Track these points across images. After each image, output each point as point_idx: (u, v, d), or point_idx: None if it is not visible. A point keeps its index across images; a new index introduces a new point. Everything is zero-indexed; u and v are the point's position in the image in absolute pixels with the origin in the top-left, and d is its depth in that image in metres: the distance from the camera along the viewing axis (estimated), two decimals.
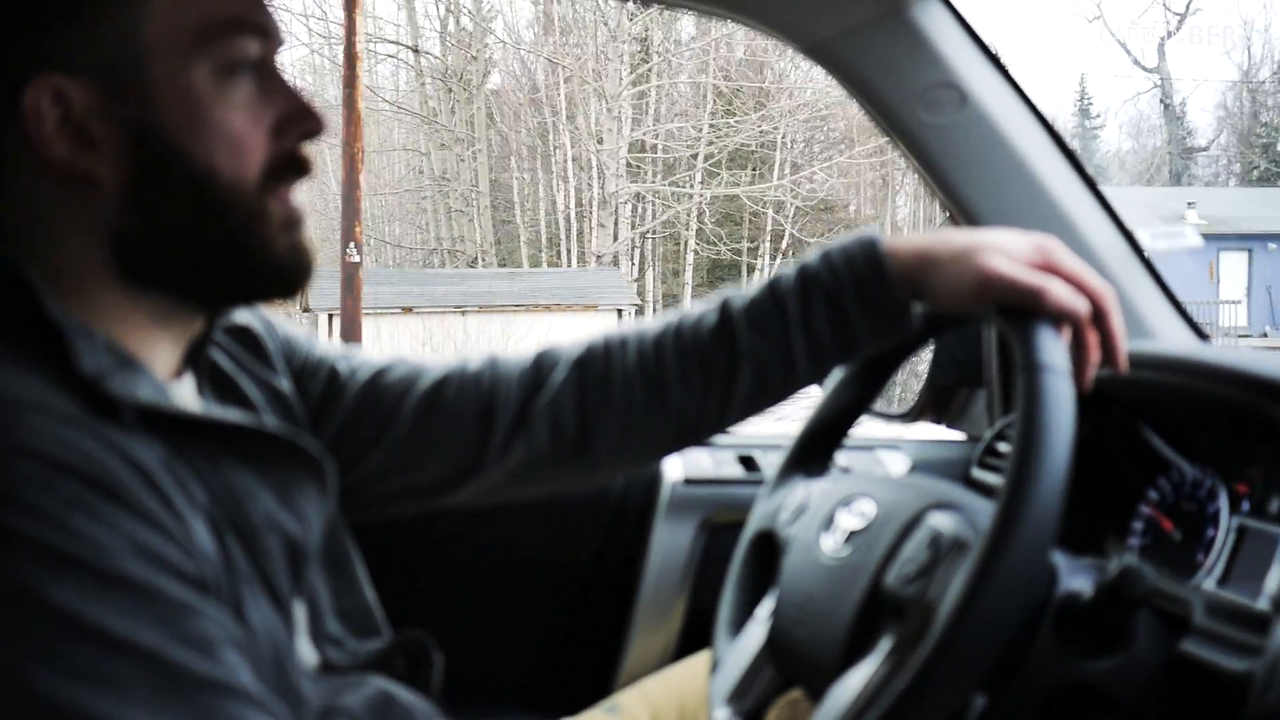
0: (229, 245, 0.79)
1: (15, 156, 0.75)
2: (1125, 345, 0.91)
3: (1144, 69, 43.58)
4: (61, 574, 0.61)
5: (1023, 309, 0.87)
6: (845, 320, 0.95)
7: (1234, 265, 26.25)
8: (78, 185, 0.75)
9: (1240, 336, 22.46)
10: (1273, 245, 25.95)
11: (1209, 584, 1.01)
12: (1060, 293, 0.87)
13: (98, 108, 0.74)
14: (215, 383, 0.90)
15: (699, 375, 0.99)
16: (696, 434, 1.02)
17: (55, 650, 0.60)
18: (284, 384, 0.97)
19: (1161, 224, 24.81)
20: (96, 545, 0.63)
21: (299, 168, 0.82)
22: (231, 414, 0.85)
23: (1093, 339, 0.89)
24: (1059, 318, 0.87)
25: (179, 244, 0.78)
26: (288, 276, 0.83)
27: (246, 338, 0.96)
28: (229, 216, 0.78)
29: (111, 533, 0.64)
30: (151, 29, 0.74)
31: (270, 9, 0.81)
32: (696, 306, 1.03)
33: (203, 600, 0.67)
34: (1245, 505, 1.06)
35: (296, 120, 0.81)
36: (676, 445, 1.04)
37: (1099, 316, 0.89)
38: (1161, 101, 43.24)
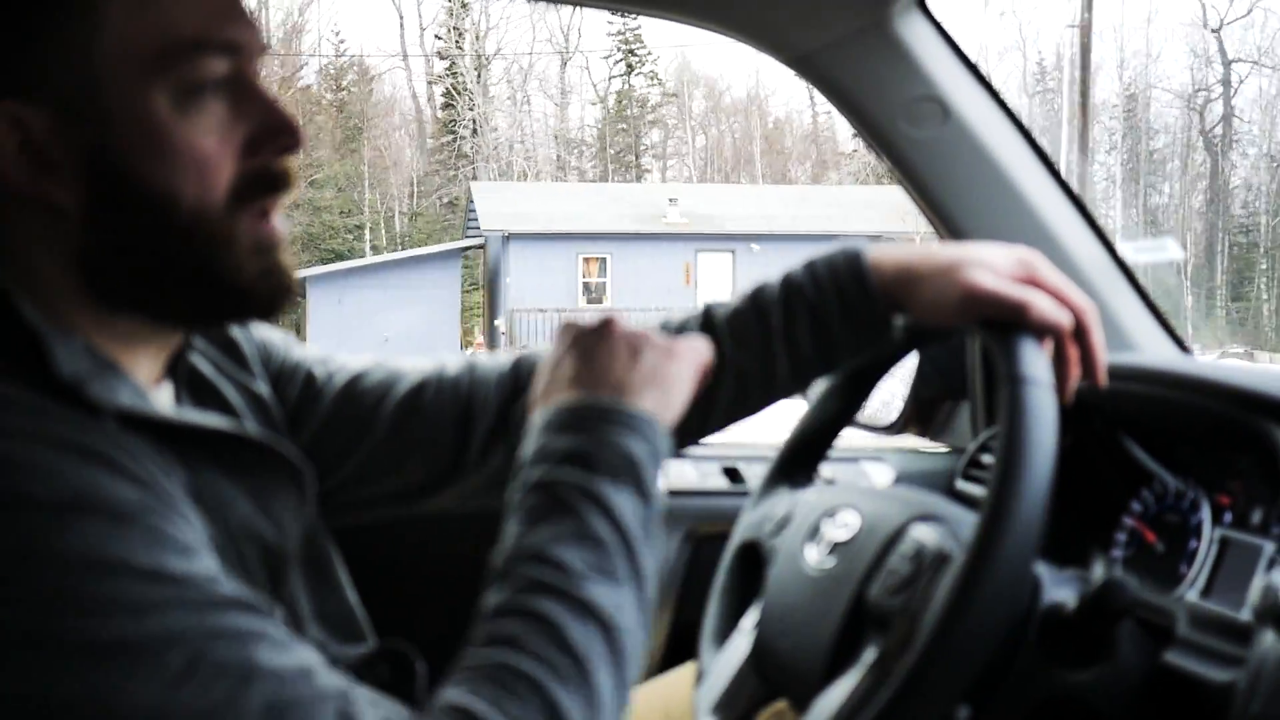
0: (195, 269, 0.77)
1: None
2: (1105, 360, 0.91)
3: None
4: (76, 519, 0.62)
5: (1006, 323, 0.87)
6: (827, 332, 0.95)
7: (717, 266, 25.58)
8: (40, 209, 0.74)
9: None
10: (755, 246, 25.31)
11: (1192, 595, 1.02)
12: (1044, 307, 0.87)
13: (56, 133, 0.73)
14: (194, 388, 0.89)
15: None
16: (677, 442, 1.02)
17: (83, 590, 0.61)
18: (262, 388, 0.96)
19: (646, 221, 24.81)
20: (101, 493, 0.64)
21: (275, 183, 0.80)
22: (210, 419, 0.84)
23: (1074, 353, 0.90)
24: (1042, 331, 0.87)
25: (143, 267, 0.76)
26: (261, 300, 0.81)
27: (225, 343, 0.96)
28: (193, 240, 0.76)
29: (115, 487, 0.65)
30: (107, 54, 0.73)
31: (245, 20, 0.78)
32: (678, 314, 1.03)
33: (206, 549, 0.69)
34: (1228, 517, 1.06)
35: (272, 135, 0.78)
36: None
37: (1080, 331, 0.90)
38: None
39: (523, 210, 25.61)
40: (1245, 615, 0.90)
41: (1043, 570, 0.85)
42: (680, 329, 1.00)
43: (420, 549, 1.64)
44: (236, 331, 0.97)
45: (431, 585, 1.66)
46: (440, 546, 1.64)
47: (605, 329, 0.86)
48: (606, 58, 48.80)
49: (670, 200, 26.87)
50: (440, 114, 45.67)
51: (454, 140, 43.27)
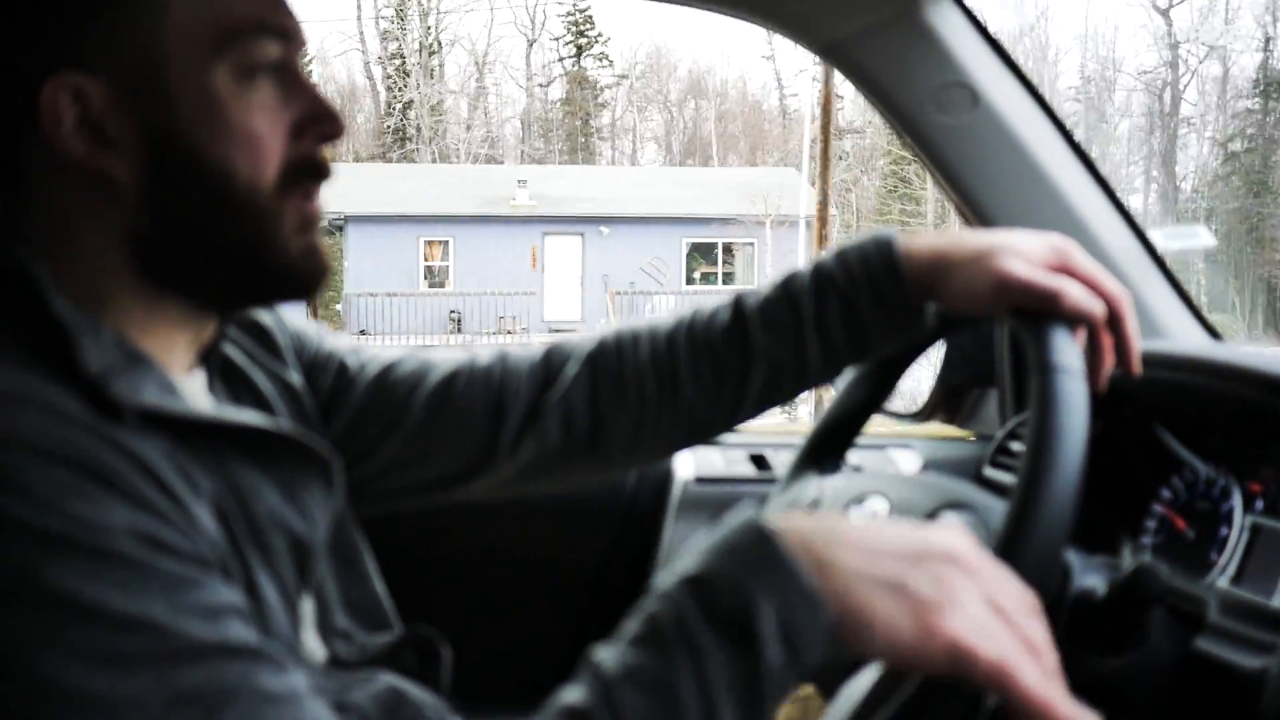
0: (244, 247, 0.79)
1: (34, 155, 0.75)
2: (1140, 348, 0.91)
3: None
4: (57, 556, 0.61)
5: (1038, 311, 0.87)
6: (859, 321, 0.95)
7: (565, 250, 25.34)
8: (95, 185, 0.75)
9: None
10: (605, 229, 25.03)
11: (1223, 582, 1.02)
12: (1077, 295, 0.86)
13: (116, 107, 0.74)
14: (227, 376, 0.90)
15: (711, 373, 0.99)
16: (708, 431, 1.02)
17: (55, 632, 0.60)
18: (295, 378, 0.97)
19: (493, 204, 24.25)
20: (91, 526, 0.62)
21: (318, 171, 0.81)
22: (237, 413, 0.85)
23: (1107, 341, 0.89)
24: (1074, 320, 0.87)
25: (194, 244, 0.78)
26: (303, 279, 0.82)
27: (258, 332, 0.96)
28: (245, 218, 0.77)
29: (106, 515, 0.63)
30: (172, 30, 0.74)
31: (292, 10, 0.80)
32: (710, 303, 1.03)
33: (203, 574, 0.67)
34: (1259, 504, 1.06)
35: (316, 122, 0.80)
36: (688, 442, 1.04)
37: (1114, 319, 0.89)
38: None
39: (360, 192, 24.78)
40: (1277, 602, 0.90)
41: (1073, 557, 0.85)
42: (710, 317, 1.01)
43: (448, 538, 1.65)
44: (270, 321, 0.98)
45: (459, 574, 1.67)
46: (469, 536, 1.65)
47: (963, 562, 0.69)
48: (557, 39, 48.62)
49: (520, 182, 26.42)
50: (385, 96, 45.34)
51: (399, 123, 42.98)
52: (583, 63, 48.52)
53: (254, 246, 0.79)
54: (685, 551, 0.70)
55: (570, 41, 48.19)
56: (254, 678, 0.64)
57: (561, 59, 48.96)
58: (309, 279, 0.83)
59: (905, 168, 31.80)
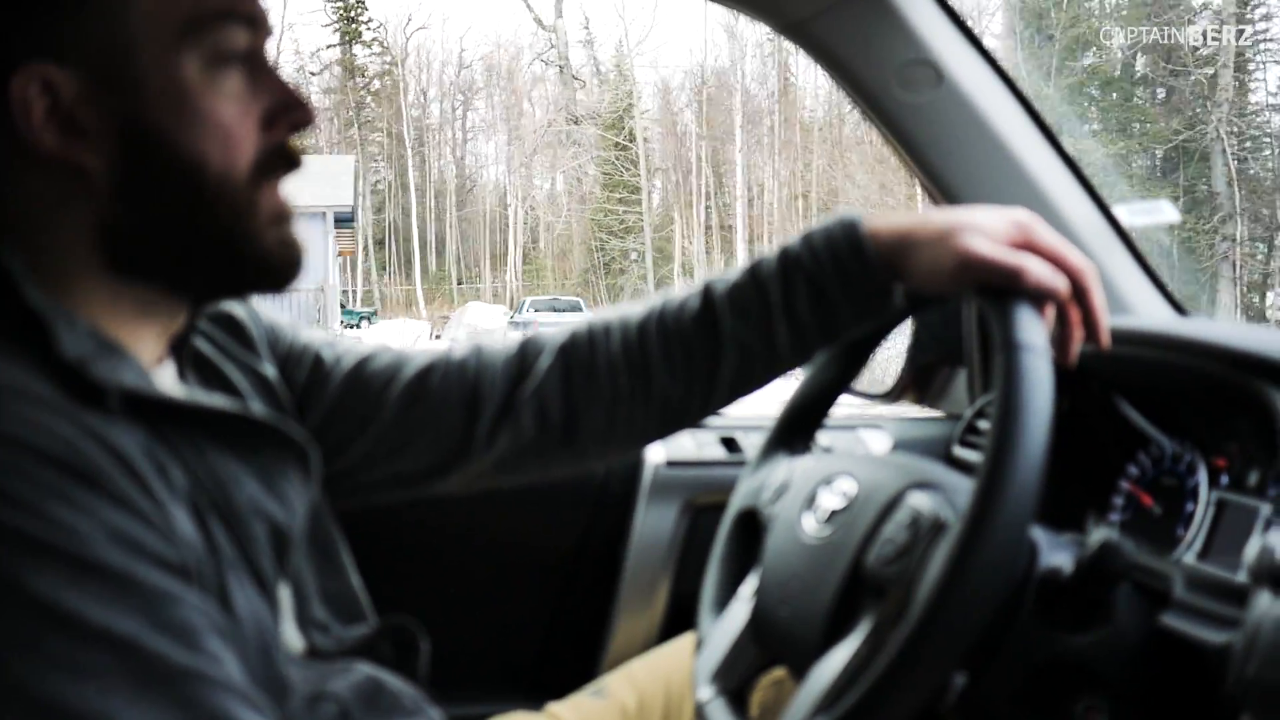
0: (217, 237, 0.78)
1: (4, 144, 0.74)
2: (1107, 321, 0.91)
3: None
4: (38, 563, 0.61)
5: (1002, 289, 0.86)
6: (827, 303, 0.95)
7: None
8: (66, 175, 0.74)
9: None
10: None
11: (1189, 558, 1.02)
12: (1039, 271, 0.86)
13: (86, 97, 0.73)
14: (200, 369, 0.89)
15: (683, 361, 0.99)
16: (682, 419, 1.02)
17: (32, 640, 0.60)
18: (269, 370, 0.96)
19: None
20: (73, 533, 0.62)
21: (289, 160, 0.81)
22: (215, 399, 0.84)
23: (1075, 315, 0.89)
24: (1038, 296, 0.87)
25: (167, 235, 0.77)
26: (275, 270, 0.81)
27: (231, 325, 0.96)
28: (218, 208, 0.77)
29: (89, 520, 0.63)
30: (140, 18, 0.73)
31: None
32: (679, 292, 1.02)
33: (184, 588, 0.67)
34: (1224, 479, 1.06)
35: (286, 111, 0.80)
36: (662, 431, 1.04)
37: (1080, 292, 0.89)
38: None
39: None
40: (1242, 577, 0.90)
41: (1039, 535, 0.85)
42: (680, 305, 1.00)
43: (421, 528, 1.64)
44: (244, 314, 0.97)
45: (432, 563, 1.66)
46: (441, 525, 1.65)
47: None
48: (325, 26, 48.29)
49: None
50: None
51: None
52: (354, 49, 48.07)
53: (228, 237, 0.78)
54: None
55: (338, 29, 47.73)
56: (223, 706, 0.64)
57: (329, 46, 48.54)
58: (283, 271, 0.82)
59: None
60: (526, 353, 1.04)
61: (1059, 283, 0.87)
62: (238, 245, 0.79)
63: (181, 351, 0.87)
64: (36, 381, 0.68)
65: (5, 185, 0.76)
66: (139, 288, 0.79)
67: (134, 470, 0.68)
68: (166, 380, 0.83)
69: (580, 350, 1.02)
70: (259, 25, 0.79)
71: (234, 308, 0.97)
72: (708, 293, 1.00)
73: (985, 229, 0.89)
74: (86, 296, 0.76)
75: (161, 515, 0.69)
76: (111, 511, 0.65)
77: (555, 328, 1.05)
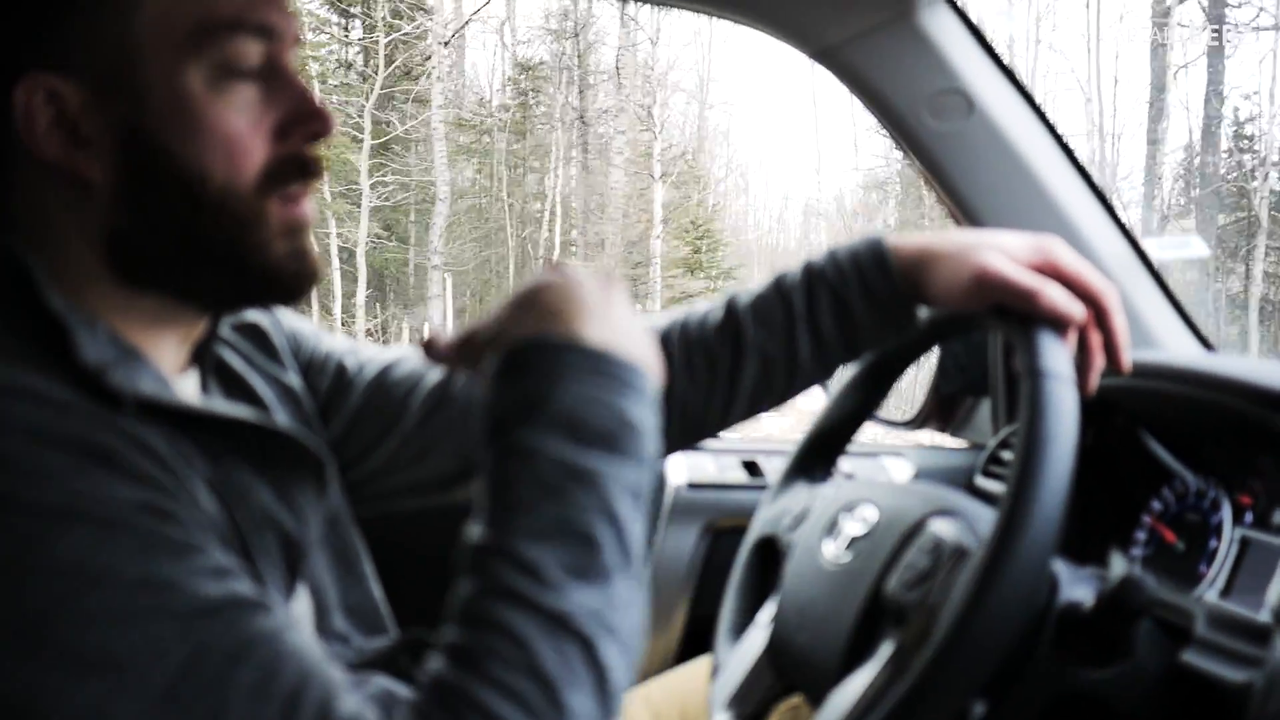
0: (223, 248, 0.77)
1: (11, 153, 0.75)
2: (1128, 345, 0.90)
3: None
4: (64, 529, 0.61)
5: (1023, 312, 0.86)
6: (850, 316, 0.95)
7: None
8: (72, 184, 0.75)
9: None
10: None
11: (1211, 595, 1.01)
12: (1056, 296, 0.86)
13: (90, 107, 0.73)
14: (223, 379, 0.90)
15: (704, 370, 0.99)
16: (701, 429, 1.02)
17: (71, 600, 0.60)
18: (293, 379, 0.97)
19: None
20: (96, 499, 0.62)
21: (305, 170, 0.80)
22: (231, 408, 0.84)
23: (1095, 340, 0.89)
24: (1055, 321, 0.86)
25: (172, 245, 0.76)
26: (287, 282, 0.80)
27: (255, 334, 0.96)
28: (222, 219, 0.76)
29: (110, 489, 0.63)
30: (144, 29, 0.73)
31: (281, 6, 0.78)
32: (703, 304, 1.03)
33: (208, 541, 0.67)
34: (1248, 517, 1.06)
35: (302, 121, 0.79)
36: (680, 442, 1.04)
37: (1101, 316, 0.89)
38: None
39: None
40: (1264, 616, 0.90)
41: (1061, 568, 0.85)
42: (703, 315, 1.00)
43: (443, 541, 1.64)
44: (267, 323, 0.98)
45: (452, 577, 1.66)
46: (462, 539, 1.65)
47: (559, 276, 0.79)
48: None
49: None
50: None
51: None
52: None
53: (234, 248, 0.77)
54: None
55: None
56: (269, 628, 0.64)
57: None
58: (294, 283, 0.81)
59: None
60: None
61: (1075, 308, 0.87)
62: (245, 256, 0.78)
63: (203, 361, 0.87)
64: (56, 385, 0.68)
65: (14, 193, 0.76)
66: (150, 297, 0.78)
67: (154, 452, 0.68)
68: (188, 389, 0.84)
69: None
70: (275, 34, 0.78)
71: (257, 316, 0.97)
72: (731, 304, 1.00)
73: (1005, 248, 0.89)
74: (101, 303, 0.77)
75: (183, 489, 0.69)
76: (132, 486, 0.65)
77: None
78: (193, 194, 0.75)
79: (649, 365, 0.76)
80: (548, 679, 0.63)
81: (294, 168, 0.79)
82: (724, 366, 0.99)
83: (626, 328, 0.76)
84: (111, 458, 0.65)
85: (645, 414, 0.73)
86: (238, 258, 0.78)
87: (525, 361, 0.72)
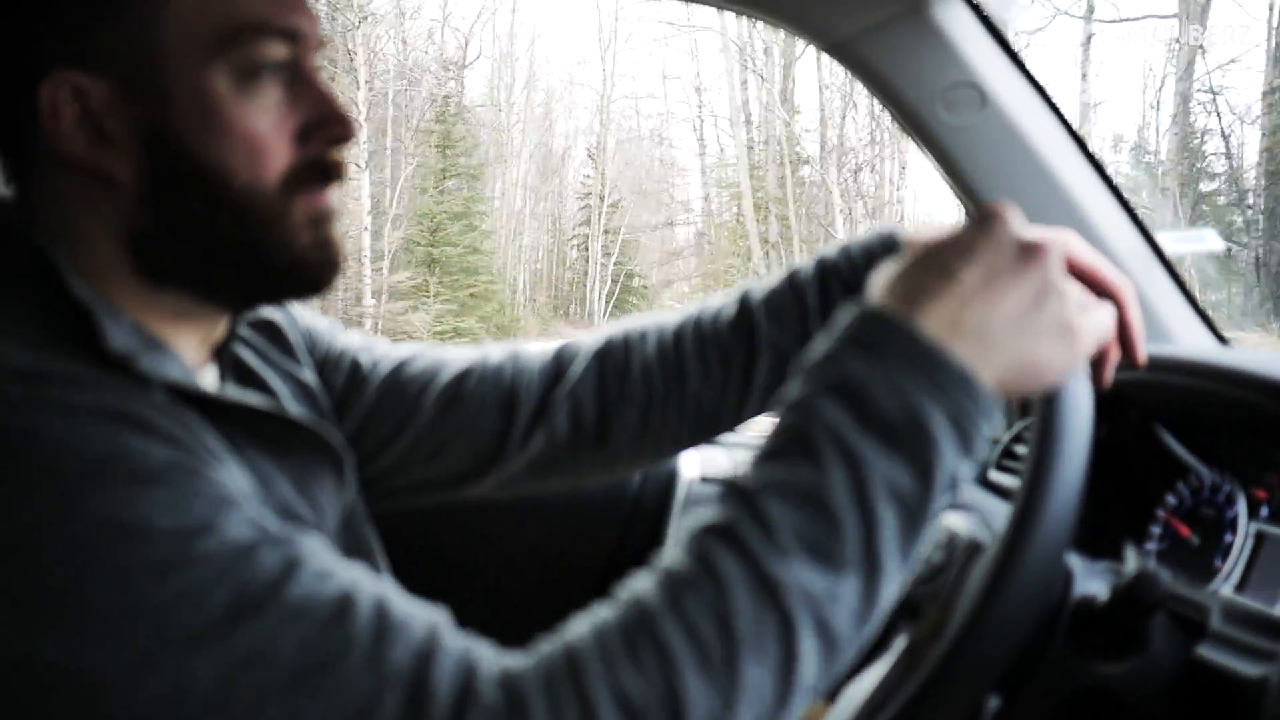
0: (246, 247, 0.78)
1: (36, 149, 0.75)
2: (1143, 339, 0.90)
3: None
4: (97, 485, 0.61)
5: None
6: None
7: None
8: (96, 181, 0.75)
9: None
10: None
11: (1226, 589, 1.01)
12: None
13: (115, 105, 0.74)
14: (240, 376, 0.90)
15: (718, 365, 0.99)
16: (715, 425, 1.02)
17: (108, 556, 0.60)
18: (308, 376, 0.97)
19: None
20: (128, 455, 0.63)
21: (327, 174, 0.80)
22: (256, 398, 0.84)
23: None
24: None
25: (195, 244, 0.77)
26: (312, 274, 0.81)
27: (270, 330, 0.96)
28: (245, 219, 0.76)
29: (146, 447, 0.64)
30: (171, 29, 0.73)
31: (306, 10, 0.79)
32: (716, 299, 1.03)
33: (242, 499, 0.67)
34: (1264, 511, 1.05)
35: (324, 125, 0.79)
36: (695, 437, 1.04)
37: (1116, 310, 0.89)
38: None
39: None
40: (1279, 610, 0.89)
41: (1075, 562, 0.85)
42: (717, 311, 1.01)
43: (454, 537, 1.65)
44: (282, 319, 0.98)
45: (464, 573, 1.67)
46: (474, 535, 1.65)
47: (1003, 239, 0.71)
48: None
49: None
50: None
51: None
52: None
53: (257, 247, 0.78)
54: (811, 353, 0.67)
55: None
56: (308, 551, 0.65)
57: None
58: (318, 274, 0.81)
59: None
60: (562, 356, 1.05)
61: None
62: (268, 255, 0.78)
63: (222, 359, 0.88)
64: (81, 369, 0.68)
65: (38, 189, 0.77)
66: (173, 294, 0.79)
67: (188, 425, 0.69)
68: (207, 383, 0.84)
69: (615, 353, 1.03)
70: (300, 38, 0.78)
71: (272, 313, 0.98)
72: (744, 299, 1.00)
73: None
74: (122, 300, 0.77)
75: (215, 461, 0.69)
76: (168, 448, 0.65)
77: (591, 335, 1.06)
78: (216, 194, 0.75)
79: (997, 379, 0.67)
80: (734, 635, 0.60)
81: (316, 171, 0.79)
82: (738, 361, 0.99)
83: (1006, 323, 0.68)
84: (145, 424, 0.65)
85: (946, 425, 0.64)
86: (261, 257, 0.78)
87: (856, 321, 0.68)
